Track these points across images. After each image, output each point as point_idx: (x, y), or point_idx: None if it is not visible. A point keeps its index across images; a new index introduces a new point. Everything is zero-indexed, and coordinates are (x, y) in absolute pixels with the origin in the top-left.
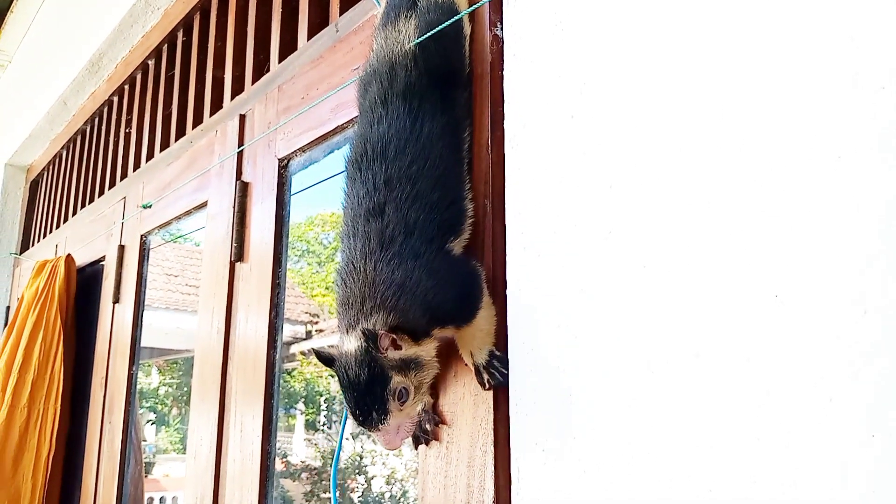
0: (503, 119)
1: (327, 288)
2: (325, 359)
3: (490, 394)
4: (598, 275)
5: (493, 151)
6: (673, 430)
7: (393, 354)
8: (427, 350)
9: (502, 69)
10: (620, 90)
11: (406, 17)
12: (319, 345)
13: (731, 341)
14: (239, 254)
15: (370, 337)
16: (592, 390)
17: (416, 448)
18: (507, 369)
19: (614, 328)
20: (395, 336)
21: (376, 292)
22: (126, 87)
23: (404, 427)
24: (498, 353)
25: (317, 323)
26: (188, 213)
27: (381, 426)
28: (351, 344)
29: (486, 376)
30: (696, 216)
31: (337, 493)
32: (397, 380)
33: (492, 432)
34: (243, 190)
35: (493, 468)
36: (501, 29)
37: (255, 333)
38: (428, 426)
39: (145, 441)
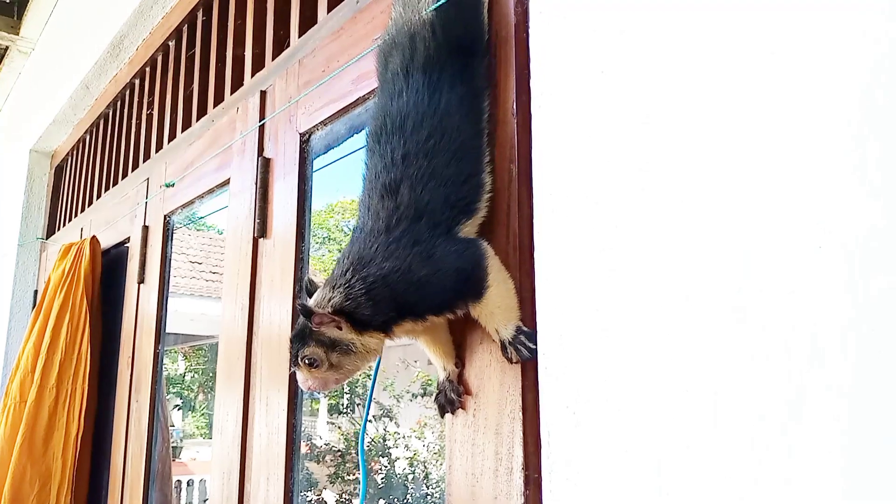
0: (529, 81)
1: None
2: (304, 310)
3: None
4: (628, 227)
5: (518, 115)
6: (714, 389)
7: (328, 332)
8: (366, 342)
9: (527, 31)
10: (654, 43)
11: None
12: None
13: (775, 283)
14: (262, 230)
15: (304, 312)
16: (626, 351)
17: (443, 417)
18: (534, 344)
19: (648, 285)
20: (337, 319)
21: (357, 272)
22: (147, 68)
23: (311, 381)
24: (526, 328)
25: None
26: (211, 191)
27: (293, 369)
28: (310, 299)
29: (511, 351)
30: (732, 155)
31: (366, 464)
32: (311, 349)
33: (520, 399)
34: (265, 166)
35: (521, 434)
36: None
37: (280, 308)
38: (453, 396)
39: (173, 426)
